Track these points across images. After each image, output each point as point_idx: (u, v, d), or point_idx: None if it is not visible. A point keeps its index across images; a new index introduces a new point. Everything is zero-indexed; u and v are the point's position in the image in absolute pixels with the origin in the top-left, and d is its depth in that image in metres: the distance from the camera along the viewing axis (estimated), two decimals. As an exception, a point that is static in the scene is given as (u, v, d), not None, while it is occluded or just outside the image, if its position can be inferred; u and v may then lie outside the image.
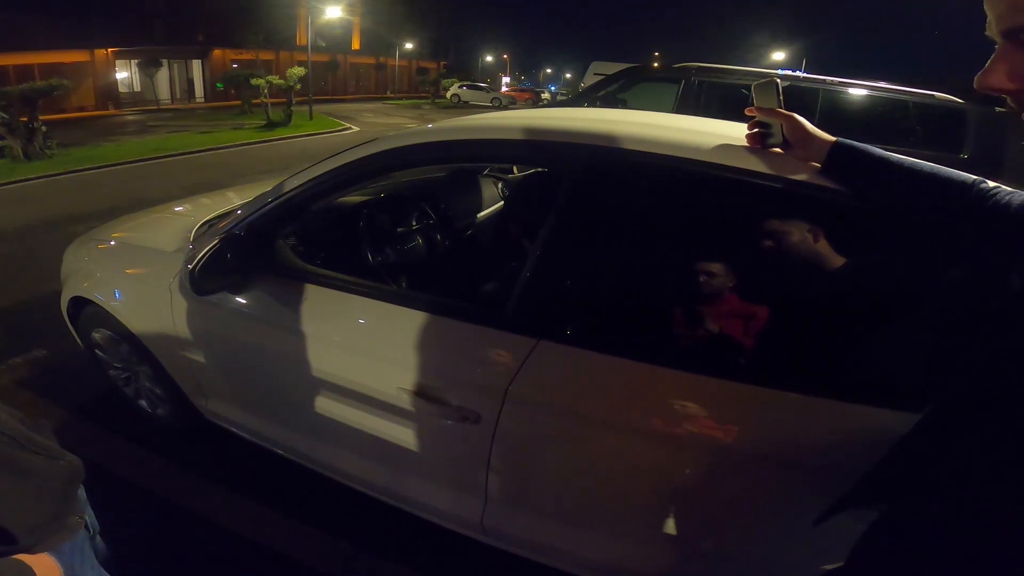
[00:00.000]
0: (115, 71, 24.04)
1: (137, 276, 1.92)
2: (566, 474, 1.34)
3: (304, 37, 21.94)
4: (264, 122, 14.94)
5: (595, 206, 1.23)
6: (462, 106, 29.42)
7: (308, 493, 1.92)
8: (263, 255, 1.59)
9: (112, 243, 2.10)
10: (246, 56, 28.74)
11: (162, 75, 26.24)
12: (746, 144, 1.15)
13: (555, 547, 1.43)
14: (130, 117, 20.03)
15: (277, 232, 1.64)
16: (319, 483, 1.78)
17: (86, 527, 0.95)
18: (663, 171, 1.18)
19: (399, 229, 2.11)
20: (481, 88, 32.96)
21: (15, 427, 0.76)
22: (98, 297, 1.96)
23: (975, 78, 0.63)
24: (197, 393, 1.94)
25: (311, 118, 16.75)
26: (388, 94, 40.22)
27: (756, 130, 1.13)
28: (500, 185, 2.83)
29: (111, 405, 2.35)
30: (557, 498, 1.39)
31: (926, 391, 0.92)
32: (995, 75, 0.60)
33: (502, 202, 2.71)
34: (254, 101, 17.38)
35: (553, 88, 50.35)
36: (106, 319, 1.98)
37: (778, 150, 1.12)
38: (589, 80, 13.06)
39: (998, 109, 4.85)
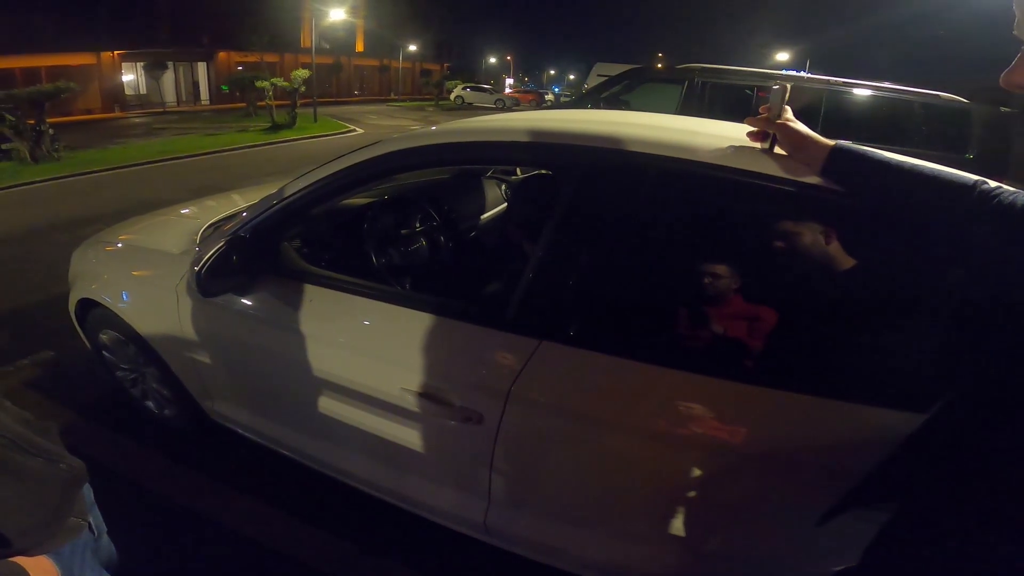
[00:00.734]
0: (121, 74, 24.14)
1: (144, 278, 1.94)
2: (569, 475, 1.35)
3: (308, 39, 22.04)
4: (269, 124, 15.00)
5: (599, 207, 1.24)
6: (466, 108, 29.46)
7: (312, 493, 1.93)
8: (268, 257, 1.61)
9: (119, 245, 2.12)
10: (251, 58, 28.81)
11: (168, 78, 26.37)
12: (749, 145, 1.16)
13: (557, 547, 1.44)
14: (136, 120, 20.14)
15: (282, 234, 1.66)
16: (323, 483, 1.80)
17: (90, 529, 0.96)
18: (666, 172, 1.19)
19: (403, 231, 2.12)
20: (485, 90, 33.01)
21: (16, 430, 0.77)
22: (105, 299, 1.98)
23: (1001, 76, 0.64)
24: (203, 394, 1.95)
25: (315, 120, 16.81)
26: (392, 96, 40.27)
27: (755, 131, 1.14)
28: (503, 187, 2.84)
29: (118, 406, 2.38)
30: (560, 499, 1.40)
31: (932, 391, 0.92)
32: (1021, 73, 0.61)
33: (505, 204, 2.72)
34: (259, 103, 17.46)
35: (557, 89, 50.44)
36: (113, 321, 2.00)
37: (780, 151, 1.13)
38: (593, 81, 13.05)
39: (1003, 109, 4.83)
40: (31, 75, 18.02)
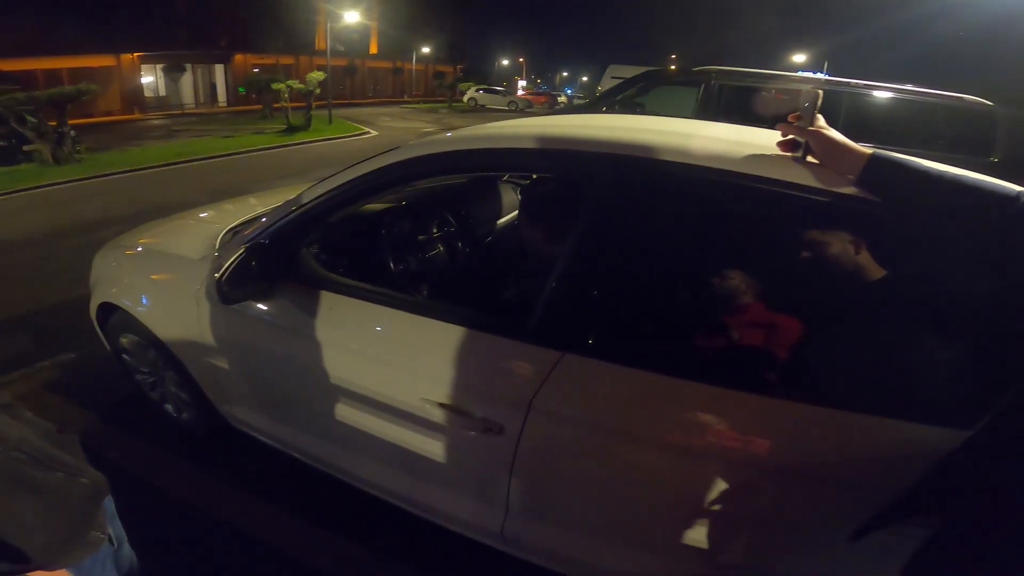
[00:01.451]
0: (141, 76, 24.58)
1: (164, 283, 1.95)
2: (589, 487, 1.33)
3: (323, 42, 22.22)
4: (284, 126, 15.16)
5: (625, 218, 1.21)
6: (479, 110, 29.54)
7: (329, 499, 1.93)
8: (287, 264, 1.60)
9: (139, 249, 2.13)
10: (267, 61, 29.20)
11: (186, 80, 26.77)
12: (781, 153, 1.13)
13: (574, 558, 1.42)
14: (155, 121, 20.47)
15: (301, 241, 1.65)
16: (339, 489, 1.79)
17: (110, 541, 0.97)
18: (695, 182, 1.16)
19: (420, 237, 2.11)
20: (498, 92, 33.04)
21: (36, 445, 0.78)
22: (126, 303, 1.99)
23: None
24: (221, 399, 1.96)
25: (330, 122, 16.95)
26: (405, 98, 40.53)
27: (789, 139, 1.11)
28: (519, 191, 2.82)
29: (136, 409, 2.39)
30: (579, 510, 1.38)
31: (971, 407, 0.89)
32: None
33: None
34: (275, 105, 17.66)
35: (569, 92, 50.29)
36: (133, 325, 2.02)
37: (812, 160, 1.10)
38: (606, 84, 13.00)
39: (1029, 111, 4.72)
40: (53, 77, 18.42)
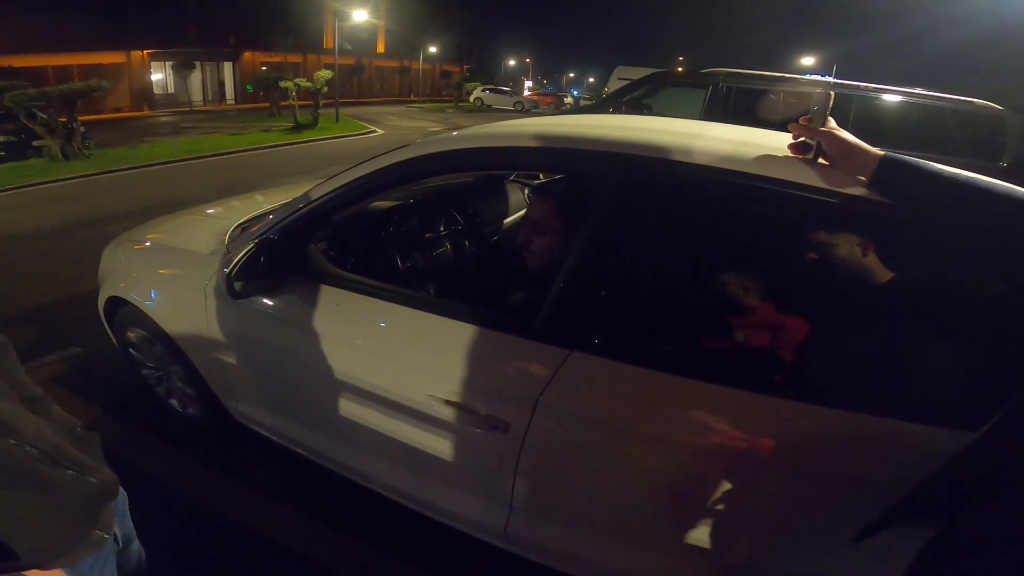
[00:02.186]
0: (150, 73, 24.72)
1: (172, 278, 1.96)
2: (595, 486, 1.33)
3: (331, 40, 22.32)
4: (292, 124, 15.20)
5: (634, 217, 1.21)
6: (485, 110, 29.56)
7: (331, 496, 1.94)
8: (296, 260, 1.61)
9: (148, 244, 2.14)
10: (275, 59, 29.32)
11: (195, 77, 26.88)
12: (791, 154, 1.13)
13: (578, 556, 1.42)
14: (164, 118, 20.58)
15: (310, 237, 1.66)
16: (342, 486, 1.80)
17: (115, 540, 0.97)
18: (705, 182, 1.16)
19: (427, 235, 2.11)
20: (504, 92, 33.05)
21: (52, 441, 0.78)
22: (134, 297, 2.00)
23: None
24: (227, 394, 1.97)
25: (337, 120, 17.00)
26: (412, 97, 40.60)
27: (800, 140, 1.11)
28: (526, 191, 2.82)
29: (143, 403, 2.41)
30: (584, 509, 1.38)
31: (977, 408, 0.89)
32: None
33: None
34: (282, 103, 17.71)
35: (576, 92, 50.25)
36: (141, 319, 2.03)
37: (823, 162, 1.09)
38: (613, 85, 12.97)
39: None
40: (63, 73, 18.55)
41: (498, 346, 1.32)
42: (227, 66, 28.85)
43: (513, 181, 2.81)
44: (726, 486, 1.18)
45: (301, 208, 1.62)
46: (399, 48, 38.98)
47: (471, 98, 32.54)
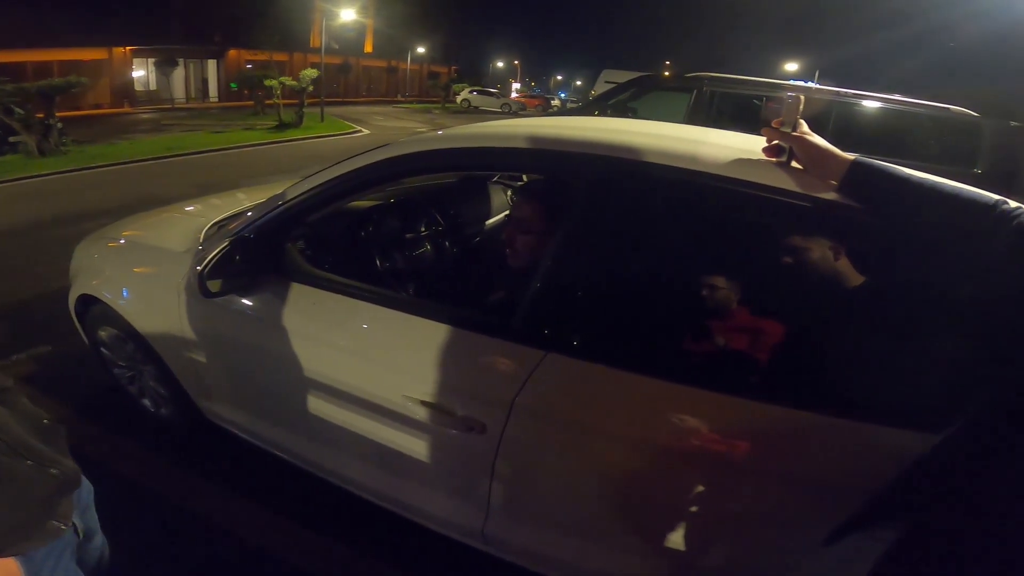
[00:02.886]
0: (132, 69, 24.31)
1: (146, 275, 1.92)
2: (571, 487, 1.33)
3: (318, 39, 22.12)
4: (276, 123, 15.07)
5: (608, 218, 1.22)
6: (472, 111, 29.56)
7: (307, 496, 1.91)
8: (272, 258, 1.59)
9: (122, 241, 2.10)
10: (260, 57, 28.99)
11: (178, 74, 26.52)
12: (763, 157, 1.14)
13: (556, 558, 1.42)
14: (145, 115, 20.24)
15: (286, 236, 1.64)
16: (318, 487, 1.77)
17: (75, 531, 0.95)
18: (678, 184, 1.17)
19: (408, 235, 2.10)
20: (491, 94, 33.10)
21: (14, 432, 0.77)
22: (106, 295, 1.96)
23: None
24: (200, 394, 1.93)
25: (322, 120, 16.88)
26: (399, 98, 40.48)
27: (774, 144, 1.12)
28: (509, 192, 2.82)
29: (114, 403, 2.36)
30: (560, 510, 1.38)
31: (945, 410, 0.90)
32: None
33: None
34: (267, 102, 17.53)
35: (563, 95, 50.52)
36: (113, 317, 1.98)
37: (797, 166, 1.10)
38: (600, 88, 13.06)
39: (1013, 124, 4.80)
40: (43, 69, 18.15)
41: (474, 347, 1.31)
42: (211, 63, 28.49)
43: (496, 183, 2.80)
44: (700, 488, 1.19)
45: (279, 206, 1.60)
46: (387, 48, 38.81)
47: (458, 99, 32.51)
